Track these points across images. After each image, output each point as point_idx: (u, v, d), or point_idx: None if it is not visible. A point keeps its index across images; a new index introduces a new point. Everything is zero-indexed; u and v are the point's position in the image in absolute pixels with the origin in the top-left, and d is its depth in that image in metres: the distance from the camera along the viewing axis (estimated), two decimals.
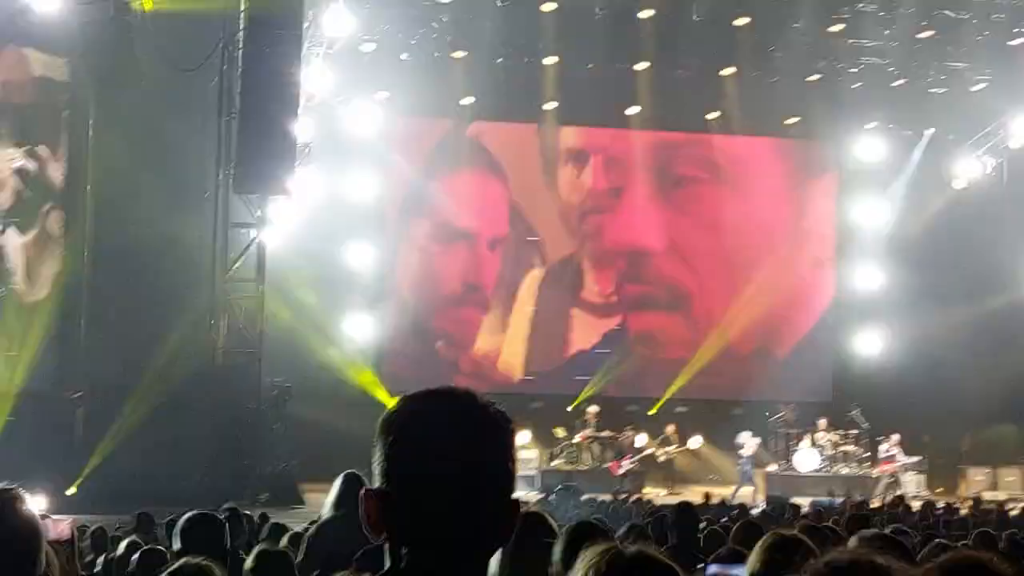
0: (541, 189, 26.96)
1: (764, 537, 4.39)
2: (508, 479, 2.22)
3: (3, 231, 20.33)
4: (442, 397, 2.21)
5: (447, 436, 2.15)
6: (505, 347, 26.68)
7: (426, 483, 2.13)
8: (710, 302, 27.19)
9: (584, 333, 26.96)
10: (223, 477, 19.48)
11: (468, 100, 25.72)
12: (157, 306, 20.71)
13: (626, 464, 23.51)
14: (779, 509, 16.43)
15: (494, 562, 4.32)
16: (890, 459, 24.07)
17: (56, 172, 20.71)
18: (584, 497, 19.47)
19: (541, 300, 26.82)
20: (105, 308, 20.63)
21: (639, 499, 20.23)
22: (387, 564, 2.17)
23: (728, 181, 27.12)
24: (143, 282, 20.51)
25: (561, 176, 27.08)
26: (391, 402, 2.29)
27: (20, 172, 20.33)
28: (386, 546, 2.18)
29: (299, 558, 6.50)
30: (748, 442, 23.81)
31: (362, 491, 2.18)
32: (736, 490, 22.59)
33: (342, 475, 7.02)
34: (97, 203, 20.86)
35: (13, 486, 2.72)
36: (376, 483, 2.18)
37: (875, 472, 24.18)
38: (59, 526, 9.87)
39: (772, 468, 24.48)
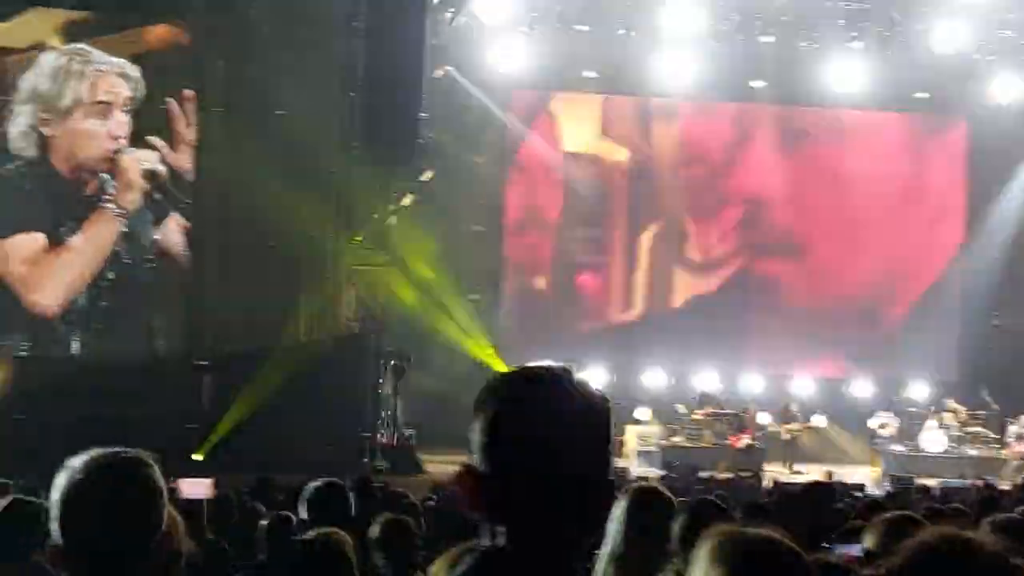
0: (652, 153, 26.73)
1: (883, 516, 4.30)
2: (605, 461, 2.21)
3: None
4: (539, 376, 2.21)
5: (544, 417, 2.15)
6: (627, 315, 26.60)
7: (523, 464, 2.13)
8: (827, 256, 26.75)
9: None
10: (344, 446, 19.74)
11: (591, 73, 25.57)
12: (284, 279, 20.99)
13: (746, 438, 23.27)
14: (904, 490, 16.16)
15: (611, 537, 4.31)
16: (1021, 440, 23.53)
17: (184, 154, 20.99)
18: (704, 474, 19.38)
19: (657, 261, 26.63)
20: (233, 279, 20.95)
21: (758, 476, 20.07)
22: (485, 542, 2.18)
23: (849, 139, 26.65)
24: (270, 256, 20.79)
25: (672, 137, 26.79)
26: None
27: (149, 163, 20.75)
28: (484, 525, 2.19)
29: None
30: (889, 421, 23.53)
31: (462, 467, 2.19)
32: (884, 472, 22.34)
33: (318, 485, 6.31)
34: (223, 179, 21.11)
35: (136, 450, 2.76)
36: (475, 458, 2.18)
37: (1004, 454, 23.63)
38: (196, 487, 10.08)
39: (898, 448, 24.06)
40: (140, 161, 20.62)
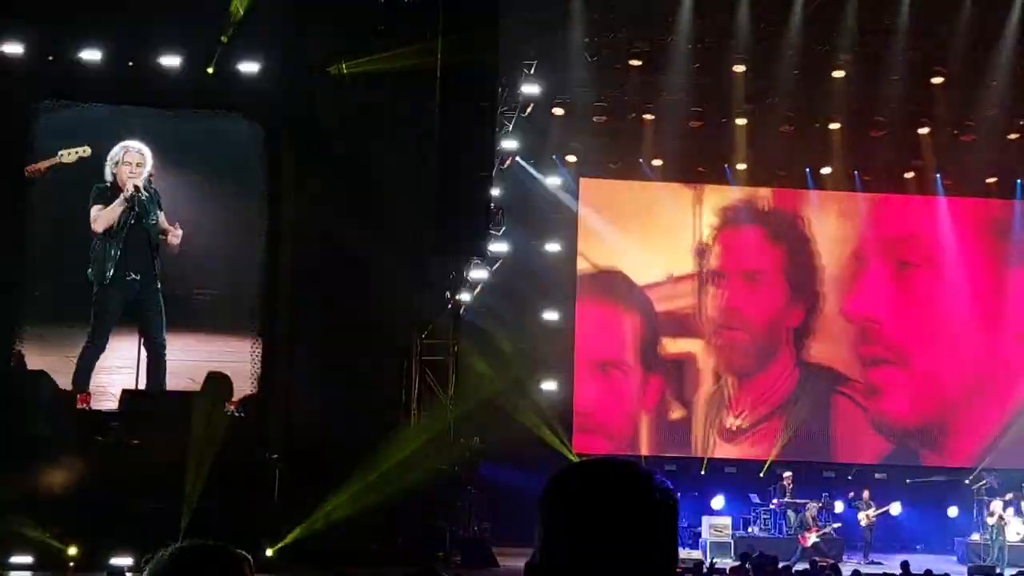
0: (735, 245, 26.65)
1: None
2: (668, 557, 2.09)
3: None
4: (602, 470, 2.12)
5: (602, 510, 2.06)
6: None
7: (579, 559, 2.04)
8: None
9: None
10: (418, 539, 19.64)
11: (657, 162, 25.72)
12: (354, 367, 21.06)
13: (812, 537, 23.00)
14: None
15: None
16: None
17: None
18: (781, 565, 19.09)
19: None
20: (303, 365, 21.06)
21: (837, 568, 19.75)
22: None
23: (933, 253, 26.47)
24: (339, 344, 20.90)
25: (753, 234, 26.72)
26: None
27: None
28: None
29: None
30: (998, 510, 23.20)
31: (526, 564, 2.10)
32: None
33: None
34: (301, 271, 21.25)
35: (226, 545, 2.78)
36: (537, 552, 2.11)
37: None
38: None
39: (974, 538, 23.63)
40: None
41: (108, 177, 19.49)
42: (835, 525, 23.53)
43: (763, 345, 26.04)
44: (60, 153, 19.36)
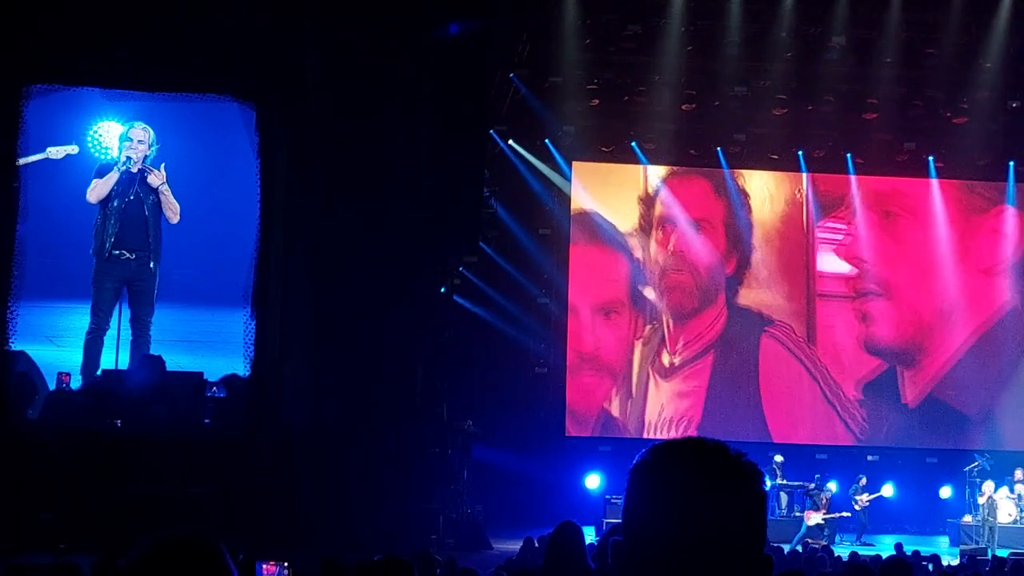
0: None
1: None
2: (755, 536, 2.09)
3: None
4: (686, 447, 2.14)
5: (684, 487, 2.07)
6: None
7: (658, 535, 2.05)
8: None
9: None
10: (410, 521, 19.65)
11: (650, 145, 25.75)
12: (351, 349, 21.01)
13: (816, 516, 23.05)
14: (975, 561, 15.91)
15: None
16: None
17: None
18: (776, 545, 19.14)
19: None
20: (296, 347, 21.03)
21: (829, 549, 19.82)
22: None
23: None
24: (332, 328, 20.86)
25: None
26: None
27: None
28: None
29: None
30: (989, 491, 23.26)
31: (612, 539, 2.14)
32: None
33: None
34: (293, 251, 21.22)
35: (203, 533, 2.79)
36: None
37: None
38: (268, 567, 10.12)
39: (966, 519, 23.69)
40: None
41: (118, 156, 19.47)
42: (845, 513, 23.57)
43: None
44: (48, 150, 19.31)
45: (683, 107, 24.81)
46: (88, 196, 19.17)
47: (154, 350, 19.11)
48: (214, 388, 19.44)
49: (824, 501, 23.35)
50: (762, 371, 26.31)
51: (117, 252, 19.05)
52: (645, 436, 25.11)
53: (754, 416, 25.93)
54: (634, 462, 2.13)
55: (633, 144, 25.42)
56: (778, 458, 24.23)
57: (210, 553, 2.73)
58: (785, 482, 23.93)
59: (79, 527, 16.37)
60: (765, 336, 26.46)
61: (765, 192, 26.67)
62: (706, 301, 26.37)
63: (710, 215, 26.52)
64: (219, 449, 19.15)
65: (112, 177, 18.88)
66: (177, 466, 18.15)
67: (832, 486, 24.03)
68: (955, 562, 17.56)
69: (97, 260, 19.11)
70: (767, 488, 2.13)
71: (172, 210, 19.12)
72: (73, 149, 19.38)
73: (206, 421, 19.25)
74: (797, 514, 23.49)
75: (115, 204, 18.99)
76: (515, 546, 17.16)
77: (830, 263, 26.68)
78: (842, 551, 19.02)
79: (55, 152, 19.16)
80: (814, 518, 22.99)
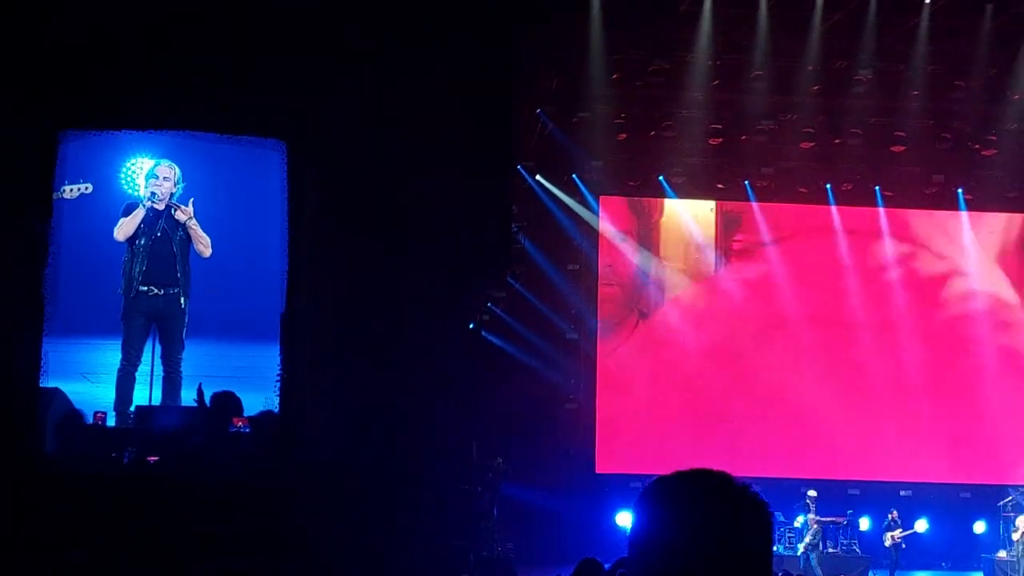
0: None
1: None
2: (762, 559, 2.12)
3: None
4: (694, 476, 2.15)
5: (689, 519, 2.08)
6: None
7: (664, 561, 2.06)
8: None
9: None
10: (441, 560, 19.55)
11: (677, 180, 25.72)
12: (382, 377, 20.96)
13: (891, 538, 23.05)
14: None
15: None
16: None
17: None
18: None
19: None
20: (323, 383, 20.99)
21: None
22: None
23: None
24: (360, 364, 20.82)
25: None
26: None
27: None
28: None
29: None
30: (1022, 526, 23.11)
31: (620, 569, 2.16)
32: None
33: None
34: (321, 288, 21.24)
35: None
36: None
37: None
38: None
39: (1001, 555, 23.50)
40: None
41: (145, 194, 19.56)
42: (841, 519, 23.62)
43: None
44: (63, 189, 19.38)
45: (710, 141, 24.86)
46: (115, 234, 19.23)
47: (185, 386, 19.12)
48: (239, 425, 19.46)
49: (894, 521, 23.35)
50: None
51: (145, 288, 19.10)
52: None
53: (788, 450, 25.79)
54: (642, 491, 2.16)
55: (660, 178, 25.44)
56: (811, 493, 24.06)
57: None
58: (817, 517, 23.75)
59: (112, 566, 16.32)
60: None
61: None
62: None
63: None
64: (243, 488, 19.14)
65: (138, 214, 18.93)
66: (205, 504, 18.12)
67: (863, 522, 23.90)
68: None
69: (125, 297, 19.17)
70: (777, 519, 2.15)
71: (203, 243, 19.11)
72: (87, 188, 19.42)
73: (230, 457, 19.20)
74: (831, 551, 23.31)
75: (142, 242, 19.04)
76: None
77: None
78: None
79: (69, 192, 19.22)
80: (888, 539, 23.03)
